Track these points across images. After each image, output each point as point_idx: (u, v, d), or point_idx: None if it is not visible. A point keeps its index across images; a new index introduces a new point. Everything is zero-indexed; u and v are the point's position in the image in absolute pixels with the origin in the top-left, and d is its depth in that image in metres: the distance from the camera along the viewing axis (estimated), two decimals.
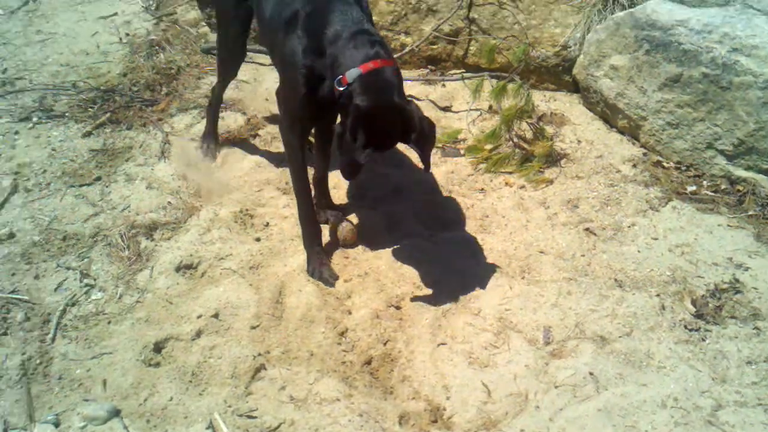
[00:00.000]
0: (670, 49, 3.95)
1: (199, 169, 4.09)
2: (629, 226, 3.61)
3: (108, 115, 4.52)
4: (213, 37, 5.41)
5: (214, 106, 4.24)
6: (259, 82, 4.90)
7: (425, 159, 3.11)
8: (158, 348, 3.05)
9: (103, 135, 4.39)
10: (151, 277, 3.39)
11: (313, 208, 3.52)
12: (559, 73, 4.67)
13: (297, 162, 3.39)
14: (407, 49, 4.96)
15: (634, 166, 4.03)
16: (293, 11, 3.15)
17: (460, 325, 3.10)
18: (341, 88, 2.95)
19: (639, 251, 3.45)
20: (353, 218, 3.73)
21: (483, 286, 3.29)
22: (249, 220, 3.73)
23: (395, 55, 4.87)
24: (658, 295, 3.18)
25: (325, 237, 3.57)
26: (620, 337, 3.01)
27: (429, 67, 5.02)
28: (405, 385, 2.94)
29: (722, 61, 3.77)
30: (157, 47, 5.28)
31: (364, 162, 2.96)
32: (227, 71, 4.10)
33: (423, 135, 3.02)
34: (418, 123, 3.00)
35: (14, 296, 3.31)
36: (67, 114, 4.56)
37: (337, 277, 3.38)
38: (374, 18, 4.91)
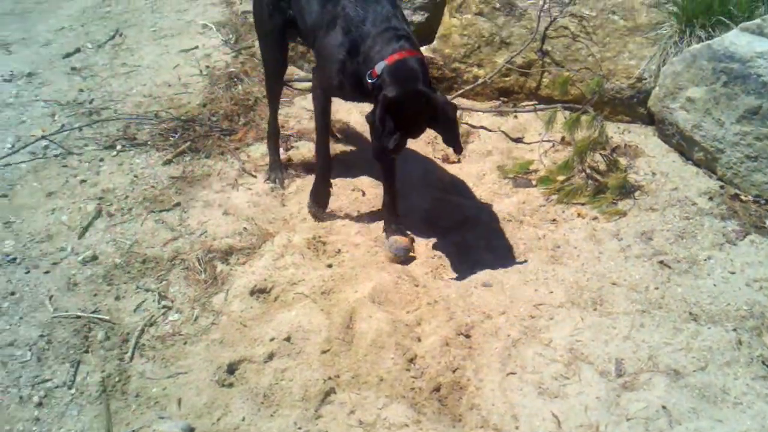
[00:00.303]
0: (749, 81, 3.89)
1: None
2: (705, 260, 3.54)
3: (188, 143, 4.67)
4: (289, 70, 5.55)
5: (273, 136, 4.41)
6: (336, 111, 4.99)
7: (452, 140, 3.37)
8: (232, 369, 3.12)
9: (183, 163, 4.54)
10: (226, 300, 3.47)
11: (328, 146, 3.95)
12: (633, 105, 4.64)
13: (322, 120, 3.87)
14: (480, 81, 5.01)
15: (711, 199, 3.96)
16: (332, 15, 3.49)
17: (530, 355, 3.08)
18: (371, 81, 3.27)
19: (715, 285, 3.38)
20: (424, 246, 3.76)
21: (554, 317, 3.27)
22: (321, 246, 3.80)
23: (468, 87, 4.95)
24: (734, 330, 3.10)
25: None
26: (695, 371, 2.95)
27: (501, 98, 5.05)
28: (473, 414, 2.93)
29: None
30: (235, 79, 5.45)
31: (392, 146, 3.23)
32: (273, 90, 4.35)
33: (447, 119, 3.28)
34: (442, 108, 3.25)
35: (96, 316, 3.43)
36: (149, 142, 4.74)
37: (325, 207, 3.97)
38: (447, 50, 5.05)
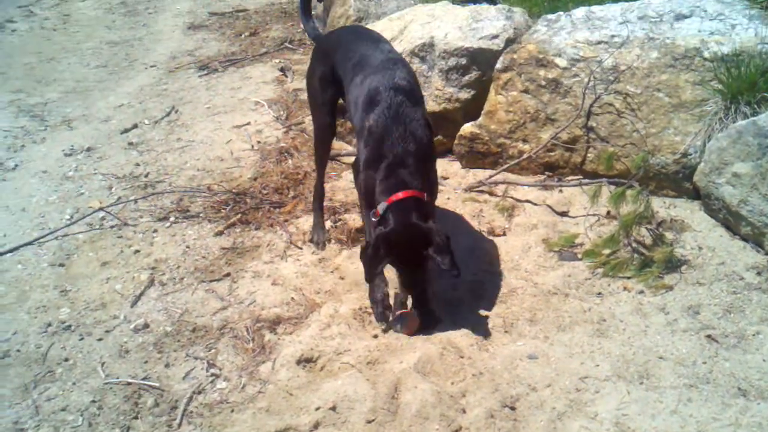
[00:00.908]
0: None
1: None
2: (754, 335, 3.49)
3: (239, 216, 4.81)
4: (338, 145, 5.72)
5: (319, 199, 4.62)
6: None
7: (447, 263, 3.51)
8: None
9: (234, 234, 4.66)
10: (273, 368, 3.52)
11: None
12: (679, 180, 4.65)
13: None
14: (525, 156, 5.08)
15: (759, 273, 3.92)
16: (363, 123, 3.78)
17: (576, 428, 3.04)
18: (374, 219, 3.64)
19: (764, 360, 3.32)
20: (467, 319, 3.79)
21: (600, 390, 3.24)
22: (367, 317, 3.85)
23: (513, 162, 5.03)
24: None
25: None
26: None
27: (547, 173, 5.10)
28: None
29: None
30: (285, 154, 5.63)
31: (378, 271, 3.64)
32: (321, 156, 4.59)
33: (439, 246, 3.50)
34: (434, 237, 3.50)
35: (146, 383, 3.51)
36: (201, 214, 4.88)
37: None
38: (492, 126, 5.15)
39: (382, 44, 4.12)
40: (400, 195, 3.54)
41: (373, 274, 3.66)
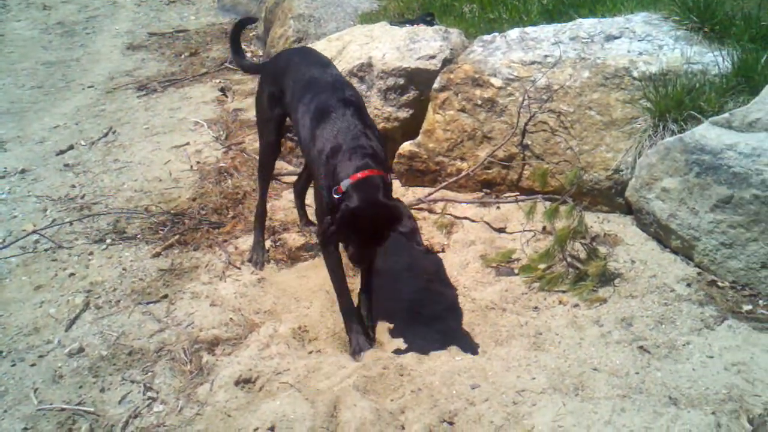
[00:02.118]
0: (719, 172, 4.02)
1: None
2: (684, 345, 3.59)
3: (177, 237, 4.77)
4: (278, 165, 5.70)
5: (260, 218, 4.64)
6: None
7: (413, 239, 3.44)
8: None
9: (172, 255, 4.62)
10: (211, 390, 3.48)
11: (349, 296, 3.89)
12: (611, 196, 4.76)
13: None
14: (463, 173, 5.15)
15: (689, 285, 4.03)
16: (314, 132, 3.77)
17: None
18: (337, 197, 3.48)
19: (694, 369, 3.41)
20: (406, 335, 3.81)
21: (536, 403, 3.29)
22: (306, 335, 3.84)
23: (452, 179, 5.09)
24: (713, 413, 3.12)
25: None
26: None
27: (484, 190, 5.18)
28: None
29: None
30: (225, 174, 5.61)
31: (340, 236, 3.51)
32: (264, 174, 4.60)
33: (408, 223, 3.43)
34: (403, 215, 3.44)
35: (81, 408, 3.44)
36: (138, 236, 4.83)
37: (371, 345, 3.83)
38: (431, 145, 5.20)
39: (330, 68, 4.17)
40: (366, 173, 3.47)
41: (328, 243, 3.63)
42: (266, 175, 4.60)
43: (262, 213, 4.64)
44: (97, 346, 3.85)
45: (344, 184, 3.46)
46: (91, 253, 4.66)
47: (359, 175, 3.46)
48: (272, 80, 4.37)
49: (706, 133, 4.15)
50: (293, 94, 4.07)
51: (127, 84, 7.90)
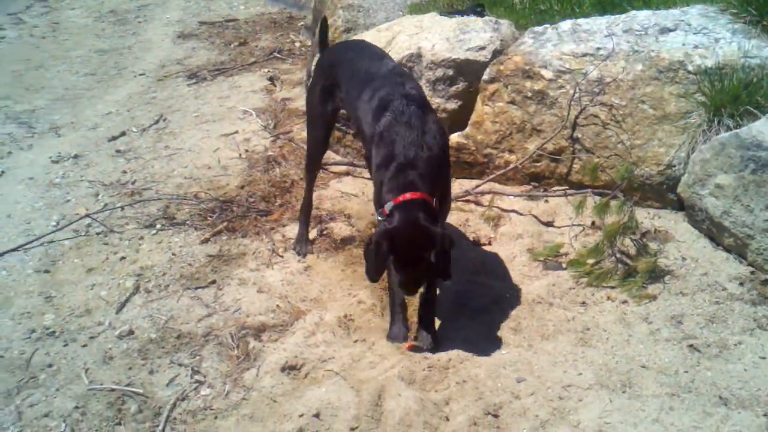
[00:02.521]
0: None
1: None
2: (736, 344, 3.52)
3: (225, 223, 4.82)
4: (326, 154, 5.72)
5: (306, 209, 4.63)
6: (366, 196, 5.12)
7: (442, 271, 3.46)
8: None
9: (220, 242, 4.66)
10: (258, 376, 3.52)
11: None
12: (663, 192, 4.69)
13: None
14: (511, 166, 5.11)
15: (741, 284, 3.95)
16: (374, 129, 3.72)
17: None
18: (380, 218, 3.50)
19: (745, 369, 3.35)
20: (453, 327, 3.80)
21: (583, 399, 3.26)
22: (352, 324, 3.86)
23: (500, 172, 5.06)
24: (765, 415, 3.05)
25: None
26: None
27: (532, 183, 5.13)
28: None
29: None
30: (273, 162, 5.64)
31: (381, 268, 3.50)
32: (312, 168, 4.61)
33: (442, 250, 3.39)
34: (438, 240, 3.38)
35: (130, 389, 3.50)
36: (187, 222, 4.89)
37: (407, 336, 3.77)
38: (479, 137, 5.18)
39: (386, 60, 4.12)
40: (407, 196, 3.43)
41: (374, 271, 3.53)
42: (314, 168, 4.61)
43: (307, 205, 4.64)
44: (146, 329, 3.91)
45: (388, 207, 3.48)
46: (141, 238, 4.74)
47: (400, 198, 3.44)
48: (326, 74, 4.31)
49: (764, 129, 4.06)
50: (349, 90, 4.04)
51: (178, 72, 7.99)
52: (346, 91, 4.08)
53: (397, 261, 3.44)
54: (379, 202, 3.62)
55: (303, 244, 4.56)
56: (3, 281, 4.35)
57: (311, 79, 4.52)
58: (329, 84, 4.23)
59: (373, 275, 3.54)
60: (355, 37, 6.11)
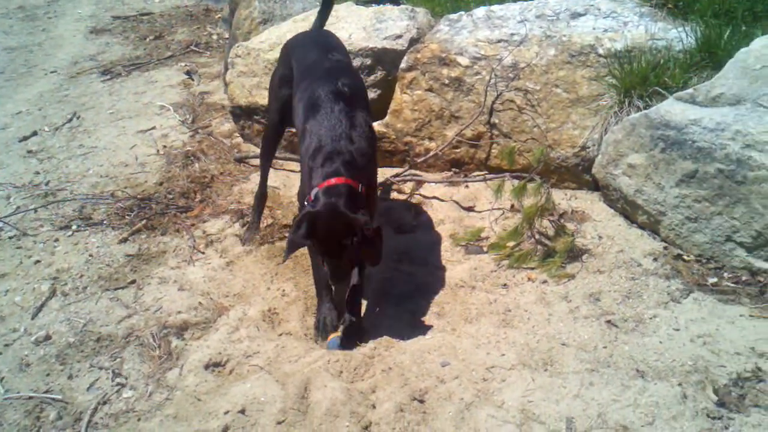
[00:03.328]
0: (684, 147, 4.05)
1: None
2: (651, 318, 3.63)
3: (144, 222, 4.72)
4: (246, 148, 5.68)
5: (260, 198, 4.62)
6: (287, 188, 5.08)
7: (370, 256, 3.50)
8: None
9: (139, 241, 4.57)
10: (181, 375, 3.46)
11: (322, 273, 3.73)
12: (578, 173, 4.79)
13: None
14: (431, 153, 5.15)
15: (655, 259, 4.07)
16: (304, 126, 3.74)
17: (483, 418, 3.10)
18: (307, 204, 3.48)
19: (661, 342, 3.45)
20: (377, 315, 3.81)
21: (506, 379, 3.31)
22: (276, 317, 3.83)
23: (420, 159, 5.08)
24: (680, 385, 3.16)
25: None
26: (642, 426, 2.98)
27: (453, 169, 5.18)
28: None
29: (736, 157, 3.85)
30: (192, 158, 5.55)
31: (300, 243, 3.46)
32: (267, 154, 4.62)
33: (364, 239, 3.37)
34: (359, 228, 3.36)
35: (48, 396, 3.40)
36: (104, 222, 4.77)
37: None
38: (399, 125, 5.19)
39: (332, 54, 4.15)
40: (332, 181, 3.44)
41: (289, 253, 3.51)
42: (268, 156, 4.61)
43: (261, 195, 4.62)
44: (64, 334, 3.80)
45: (314, 192, 3.47)
46: (56, 240, 4.60)
47: (326, 183, 3.45)
48: (283, 60, 4.39)
49: (671, 108, 4.18)
50: (296, 79, 4.08)
51: (91, 68, 7.78)
52: (295, 80, 4.11)
53: (318, 245, 3.44)
54: (304, 192, 3.64)
55: (253, 233, 4.55)
56: None
57: (276, 66, 4.57)
58: (287, 71, 4.25)
59: (287, 255, 3.51)
60: (271, 29, 6.06)
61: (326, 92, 3.73)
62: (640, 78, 4.48)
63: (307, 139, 3.67)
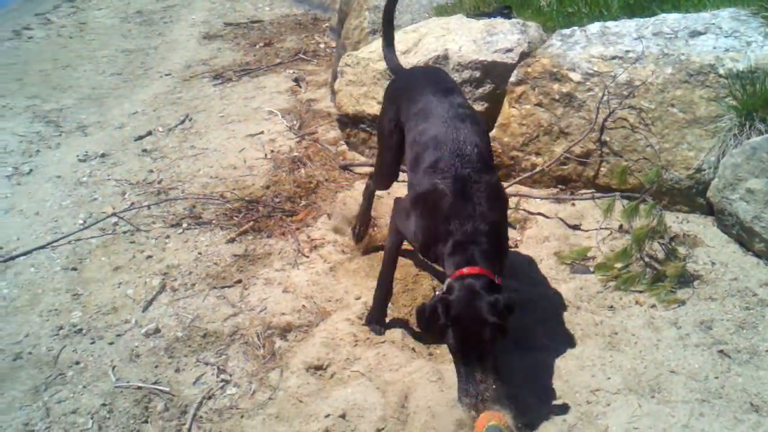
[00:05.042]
0: None
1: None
2: (767, 351, 3.48)
3: (251, 223, 4.82)
4: (351, 156, 5.74)
5: (368, 198, 4.51)
6: (390, 196, 5.09)
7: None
8: None
9: (246, 242, 4.67)
10: (283, 375, 3.52)
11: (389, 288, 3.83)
12: (692, 196, 4.64)
13: (390, 256, 3.81)
14: (538, 168, 5.08)
15: None
16: (429, 185, 3.39)
17: None
18: (438, 292, 3.20)
19: None
20: None
21: (611, 403, 3.22)
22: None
23: (526, 174, 5.03)
24: None
25: None
26: None
27: (559, 186, 5.10)
28: None
29: None
30: (298, 163, 5.64)
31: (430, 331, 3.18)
32: (380, 185, 4.43)
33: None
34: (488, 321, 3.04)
35: (156, 387, 3.51)
36: (213, 221, 4.90)
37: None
38: (506, 139, 5.15)
39: (452, 96, 3.73)
40: (464, 271, 3.13)
41: (426, 332, 3.28)
42: (373, 192, 4.50)
43: (370, 196, 4.51)
44: (172, 328, 3.92)
45: (446, 283, 3.18)
46: (167, 237, 4.76)
47: (457, 273, 3.15)
48: (393, 99, 4.00)
49: None
50: (407, 118, 3.77)
51: (203, 72, 8.03)
52: (404, 120, 3.80)
53: (458, 333, 3.08)
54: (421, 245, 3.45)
55: (361, 225, 4.56)
56: (31, 278, 4.38)
57: (382, 104, 4.20)
58: (394, 112, 3.91)
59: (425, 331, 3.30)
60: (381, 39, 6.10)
61: (450, 155, 3.37)
62: (763, 100, 4.30)
63: (419, 209, 3.41)
